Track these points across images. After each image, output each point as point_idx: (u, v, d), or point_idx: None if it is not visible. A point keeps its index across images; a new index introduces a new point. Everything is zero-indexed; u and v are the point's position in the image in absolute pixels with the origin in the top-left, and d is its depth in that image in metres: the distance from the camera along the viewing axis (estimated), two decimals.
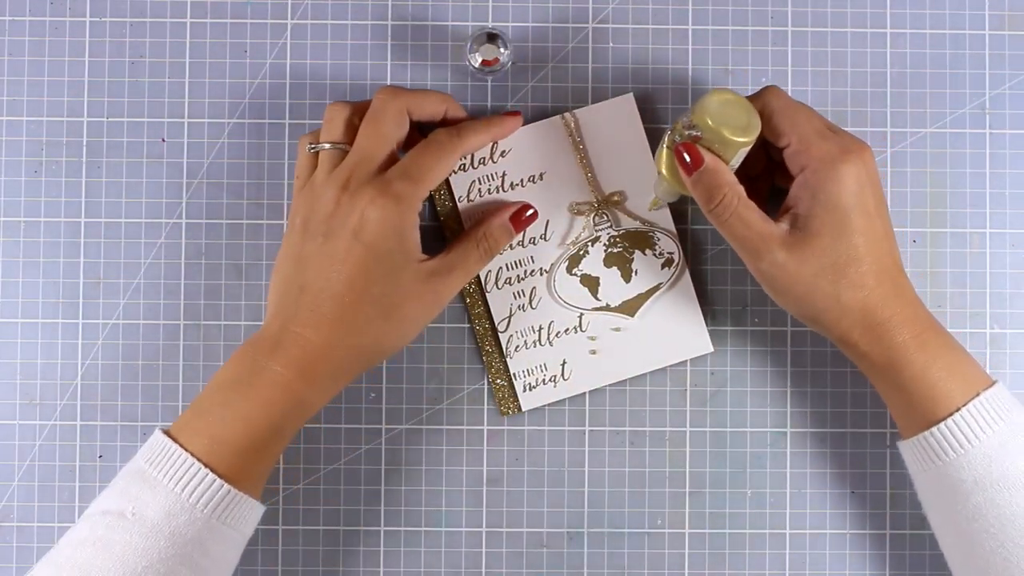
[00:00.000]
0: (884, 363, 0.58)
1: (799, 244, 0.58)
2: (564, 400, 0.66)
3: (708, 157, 0.58)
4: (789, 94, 0.64)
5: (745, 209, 0.58)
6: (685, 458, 0.66)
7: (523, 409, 0.65)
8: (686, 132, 0.58)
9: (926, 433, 0.58)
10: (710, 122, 0.57)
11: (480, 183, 0.66)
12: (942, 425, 0.57)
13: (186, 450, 0.56)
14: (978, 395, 0.57)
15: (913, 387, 0.58)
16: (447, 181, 0.66)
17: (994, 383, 0.58)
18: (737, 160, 0.59)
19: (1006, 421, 0.57)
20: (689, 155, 0.58)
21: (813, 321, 0.60)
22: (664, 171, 0.60)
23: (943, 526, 0.59)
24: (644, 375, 0.66)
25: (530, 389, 0.65)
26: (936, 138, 0.66)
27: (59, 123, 0.66)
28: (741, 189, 0.59)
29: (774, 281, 0.59)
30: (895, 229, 0.66)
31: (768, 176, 0.64)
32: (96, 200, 0.66)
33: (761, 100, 0.60)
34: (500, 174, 0.66)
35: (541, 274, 0.66)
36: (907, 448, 0.60)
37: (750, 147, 0.59)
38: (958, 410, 0.57)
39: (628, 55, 0.66)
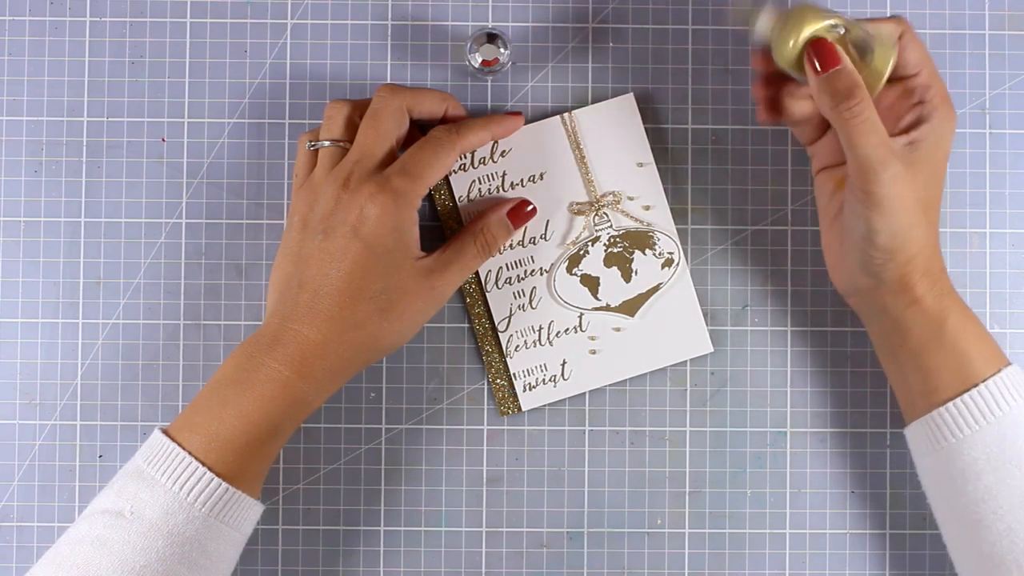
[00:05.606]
0: (935, 312, 0.58)
1: (913, 165, 0.57)
2: (564, 400, 0.66)
3: (845, 59, 0.57)
4: None
5: (877, 116, 0.57)
6: (685, 458, 0.66)
7: (523, 409, 0.65)
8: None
9: (948, 405, 0.57)
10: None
11: (480, 183, 0.66)
12: (968, 395, 0.57)
13: (184, 449, 0.56)
14: (999, 371, 0.58)
15: (950, 346, 0.58)
16: (447, 180, 0.66)
17: (1010, 364, 0.58)
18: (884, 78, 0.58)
19: (1021, 400, 0.57)
20: (826, 53, 0.56)
21: (890, 253, 0.57)
22: (773, 35, 0.58)
23: (948, 510, 0.59)
24: (644, 375, 0.66)
25: (530, 389, 0.65)
26: None
27: (59, 123, 0.66)
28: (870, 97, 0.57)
29: (888, 200, 0.56)
30: None
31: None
32: (96, 200, 0.66)
33: (898, 26, 0.59)
34: (500, 174, 0.66)
35: (541, 274, 0.66)
36: (918, 428, 0.59)
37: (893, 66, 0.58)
38: (978, 384, 0.57)
39: (628, 55, 0.66)
